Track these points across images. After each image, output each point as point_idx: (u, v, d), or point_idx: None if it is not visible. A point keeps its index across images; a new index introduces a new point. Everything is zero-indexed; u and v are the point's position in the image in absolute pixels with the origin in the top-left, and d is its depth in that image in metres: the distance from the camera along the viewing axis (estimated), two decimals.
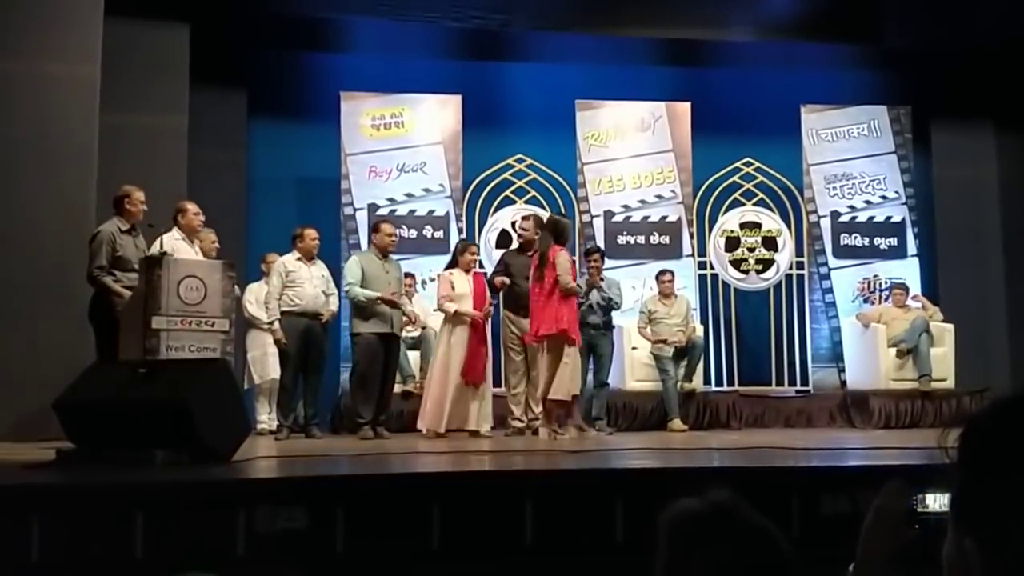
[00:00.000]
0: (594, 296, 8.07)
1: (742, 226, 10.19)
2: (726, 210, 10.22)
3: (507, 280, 7.58)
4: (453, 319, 7.44)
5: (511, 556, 3.77)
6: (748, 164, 10.30)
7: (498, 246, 9.60)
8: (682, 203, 9.72)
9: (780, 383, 9.94)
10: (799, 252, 10.08)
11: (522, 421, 7.46)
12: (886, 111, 10.10)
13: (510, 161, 10.05)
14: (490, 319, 7.63)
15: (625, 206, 9.70)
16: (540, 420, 7.17)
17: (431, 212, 9.44)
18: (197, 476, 4.23)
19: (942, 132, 10.35)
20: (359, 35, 9.81)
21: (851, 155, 10.00)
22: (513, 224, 9.68)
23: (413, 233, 9.37)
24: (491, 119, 9.85)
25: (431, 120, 9.57)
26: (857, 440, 7.19)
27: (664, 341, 8.52)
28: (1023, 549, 0.90)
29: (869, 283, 9.89)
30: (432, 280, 9.29)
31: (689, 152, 9.76)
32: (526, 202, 9.95)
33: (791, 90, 10.04)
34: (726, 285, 10.09)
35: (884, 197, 9.99)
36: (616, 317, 8.47)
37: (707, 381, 9.39)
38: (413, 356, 8.42)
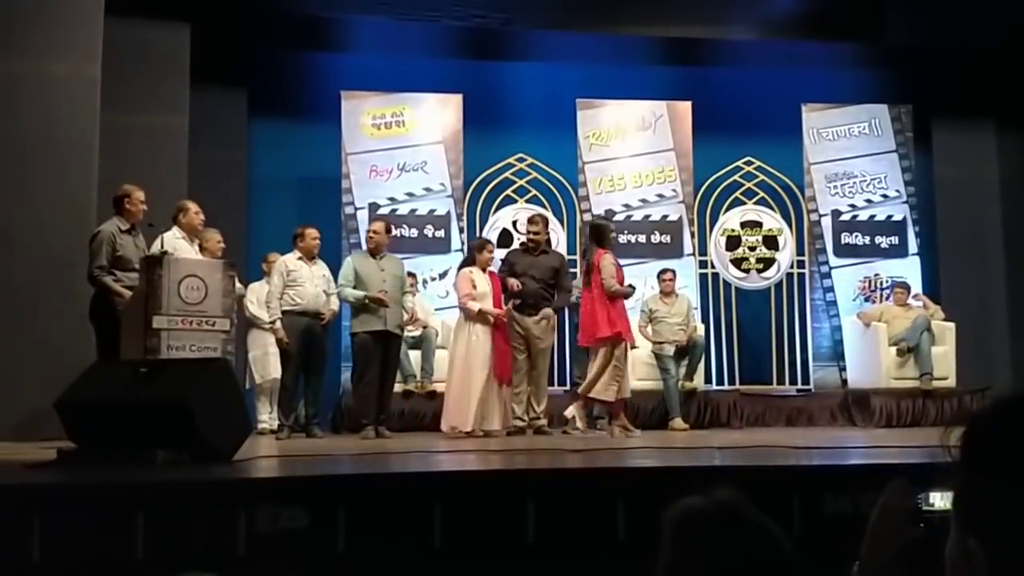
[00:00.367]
0: None
1: (743, 225, 10.18)
2: (727, 209, 10.21)
3: (519, 284, 7.53)
4: (474, 318, 7.29)
5: (513, 555, 3.77)
6: (749, 163, 10.29)
7: (499, 245, 9.58)
8: (683, 202, 9.72)
9: (781, 382, 9.93)
10: (800, 251, 10.08)
11: (523, 420, 7.46)
12: (887, 110, 10.10)
13: (511, 160, 10.04)
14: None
15: (626, 205, 9.70)
16: (572, 414, 7.24)
17: (432, 211, 9.44)
18: (198, 476, 4.23)
19: (943, 131, 10.34)
20: (360, 34, 9.81)
21: (852, 154, 10.00)
22: (514, 223, 9.69)
23: (414, 232, 9.37)
24: (492, 118, 9.85)
25: (432, 119, 9.57)
26: (858, 439, 7.18)
27: (662, 343, 8.55)
28: None
29: (870, 282, 9.89)
30: (433, 279, 9.31)
31: (690, 151, 9.76)
32: (527, 201, 9.94)
33: (792, 89, 10.04)
34: (727, 284, 10.09)
35: (885, 196, 9.99)
36: None
37: (708, 380, 9.39)
38: (414, 355, 8.42)
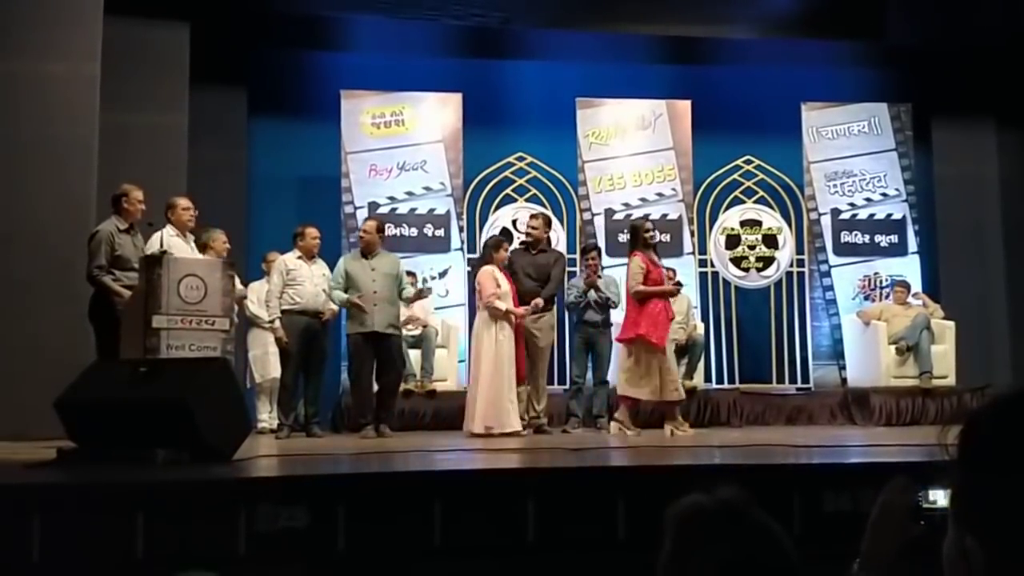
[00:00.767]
0: (592, 295, 8.07)
1: (743, 224, 10.18)
2: (727, 208, 10.21)
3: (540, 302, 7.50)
4: (501, 316, 7.20)
5: (513, 554, 3.77)
6: (748, 162, 10.29)
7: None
8: (683, 201, 9.72)
9: (781, 381, 9.93)
10: (800, 250, 10.08)
11: (523, 420, 7.45)
12: (887, 108, 10.09)
13: (511, 159, 10.04)
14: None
15: (626, 204, 9.70)
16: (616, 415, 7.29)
17: (432, 210, 9.44)
18: (198, 475, 4.23)
19: (943, 129, 10.34)
20: (359, 33, 9.80)
21: (852, 152, 10.00)
22: (514, 222, 9.68)
23: (414, 232, 9.37)
24: (491, 117, 9.84)
25: (431, 118, 9.57)
26: (858, 438, 7.18)
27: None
28: None
29: (870, 280, 9.89)
30: (433, 278, 9.30)
31: (690, 150, 9.76)
32: (527, 200, 9.94)
33: (791, 88, 10.04)
34: (727, 283, 10.09)
35: (885, 194, 9.99)
36: (617, 315, 8.47)
37: (708, 379, 9.40)
38: (414, 355, 8.41)
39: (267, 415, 8.00)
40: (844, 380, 9.57)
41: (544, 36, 10.10)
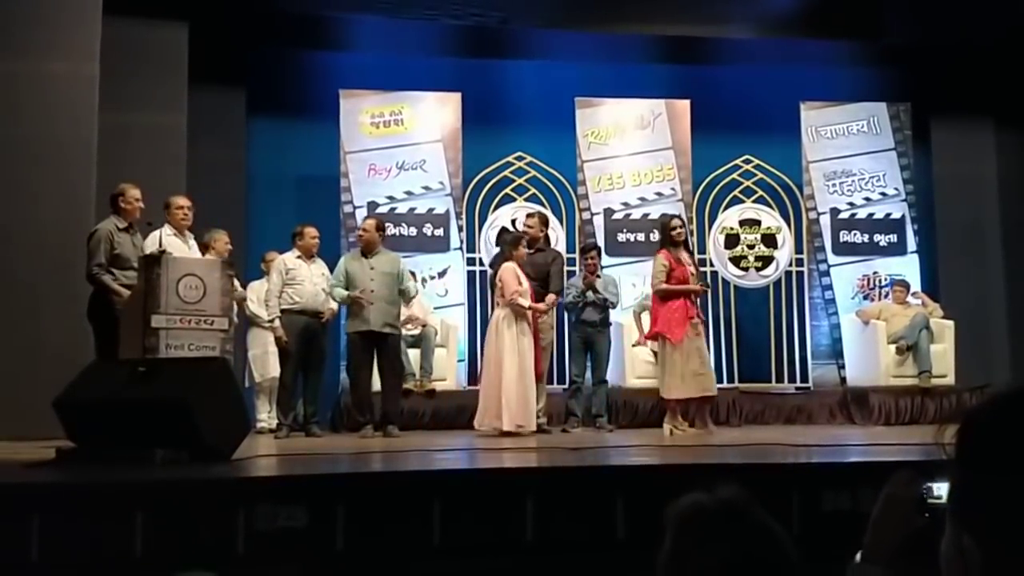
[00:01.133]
0: (590, 294, 8.07)
1: (742, 223, 10.18)
2: (726, 207, 10.21)
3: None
4: (524, 313, 7.19)
5: (512, 553, 3.77)
6: (747, 161, 10.29)
7: (498, 244, 9.58)
8: (682, 200, 9.72)
9: (780, 380, 9.93)
10: (799, 249, 10.08)
11: None
12: (886, 108, 10.10)
13: (510, 159, 10.03)
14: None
15: (625, 203, 9.70)
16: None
17: (431, 210, 9.44)
18: (197, 475, 4.23)
19: (942, 129, 10.34)
20: (358, 33, 9.79)
21: (851, 152, 9.99)
22: (513, 222, 9.68)
23: (413, 231, 9.37)
24: (491, 117, 9.84)
25: (430, 118, 9.56)
26: (857, 437, 7.19)
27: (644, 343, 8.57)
28: (1022, 546, 0.89)
29: (869, 280, 9.89)
30: (432, 278, 9.30)
31: (689, 149, 9.76)
32: (526, 200, 9.93)
33: (790, 87, 10.04)
34: (726, 282, 10.08)
35: (884, 194, 9.99)
36: (616, 315, 8.48)
37: None
38: (413, 354, 8.40)
39: (266, 415, 8.00)
40: (843, 379, 9.57)
41: (543, 36, 10.10)
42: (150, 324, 5.53)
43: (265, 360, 8.04)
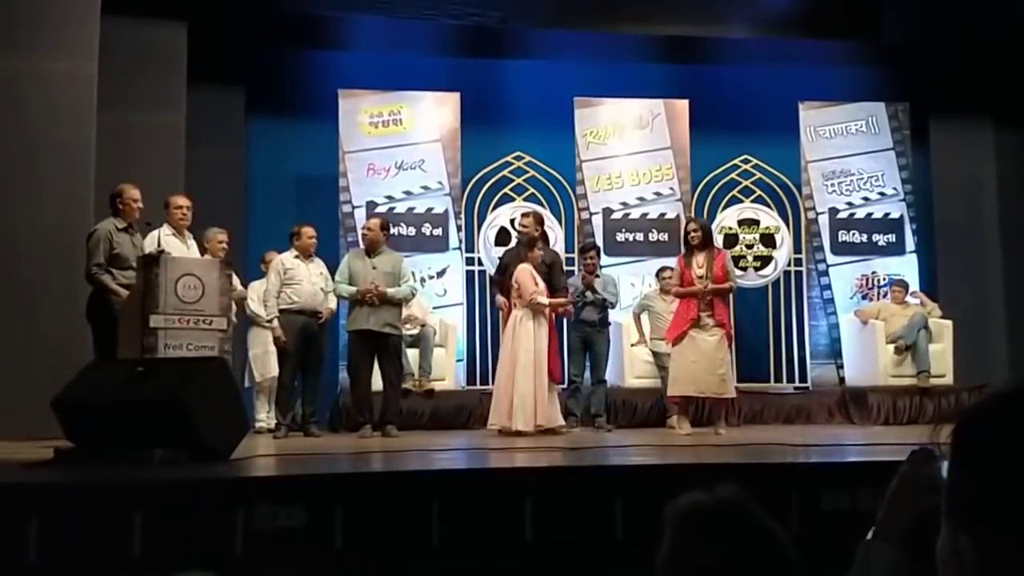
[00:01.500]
0: (588, 294, 8.07)
1: (740, 223, 10.18)
2: (724, 207, 10.21)
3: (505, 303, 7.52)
4: (543, 313, 7.21)
5: (511, 553, 3.77)
6: (746, 161, 10.29)
7: (497, 244, 9.59)
8: (680, 200, 9.72)
9: (779, 380, 9.93)
10: (797, 249, 10.08)
11: None
12: (884, 108, 10.10)
13: (509, 158, 10.03)
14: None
15: (624, 203, 9.70)
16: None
17: (430, 210, 9.43)
18: (195, 474, 4.23)
19: (940, 129, 10.34)
20: (357, 33, 9.79)
21: (849, 152, 10.00)
22: (512, 222, 9.68)
23: (412, 231, 9.36)
24: (489, 116, 9.83)
25: (429, 117, 9.56)
26: (856, 436, 7.19)
27: (660, 340, 8.55)
28: (1018, 546, 0.89)
29: (867, 279, 9.89)
30: (431, 277, 9.30)
31: (687, 149, 9.76)
32: (525, 200, 9.92)
33: (789, 87, 10.04)
34: None
35: (882, 194, 9.99)
36: (615, 314, 8.48)
37: None
38: (412, 354, 8.39)
39: (265, 414, 8.00)
40: (842, 379, 9.57)
41: (542, 35, 10.10)
42: (149, 324, 5.52)
43: (266, 360, 8.03)
